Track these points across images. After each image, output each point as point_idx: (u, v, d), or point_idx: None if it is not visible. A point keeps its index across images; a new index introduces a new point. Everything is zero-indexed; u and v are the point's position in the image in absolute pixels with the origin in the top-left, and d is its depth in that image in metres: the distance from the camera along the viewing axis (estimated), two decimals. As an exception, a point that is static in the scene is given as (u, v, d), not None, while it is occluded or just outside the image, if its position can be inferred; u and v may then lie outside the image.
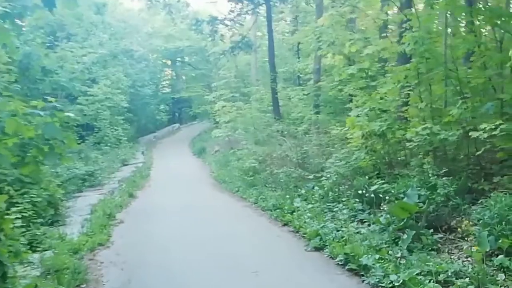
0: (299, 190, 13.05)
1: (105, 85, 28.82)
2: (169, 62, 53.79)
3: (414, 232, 7.15)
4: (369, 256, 6.78)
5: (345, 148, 12.66)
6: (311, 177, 13.17)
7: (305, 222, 9.88)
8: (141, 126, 44.51)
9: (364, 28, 18.25)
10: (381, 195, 8.82)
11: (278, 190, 14.50)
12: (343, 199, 10.42)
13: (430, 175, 8.03)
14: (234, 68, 37.30)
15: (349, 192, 10.25)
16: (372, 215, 8.86)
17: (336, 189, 11.07)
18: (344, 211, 9.77)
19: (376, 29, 19.30)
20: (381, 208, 8.88)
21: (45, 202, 11.58)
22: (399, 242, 7.20)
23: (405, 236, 7.12)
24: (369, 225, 8.69)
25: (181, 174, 23.48)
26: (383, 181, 9.10)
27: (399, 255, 6.80)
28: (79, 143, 24.85)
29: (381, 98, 10.56)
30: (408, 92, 10.57)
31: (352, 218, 9.27)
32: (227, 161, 23.85)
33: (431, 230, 7.35)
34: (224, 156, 25.57)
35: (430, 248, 7.01)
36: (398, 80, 9.68)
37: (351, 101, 16.78)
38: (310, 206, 11.15)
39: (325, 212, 10.42)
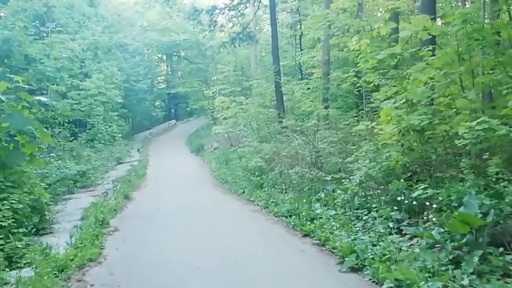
0: (316, 193, 11.60)
1: (98, 79, 27.39)
2: (164, 57, 52.36)
3: (482, 251, 5.74)
4: (429, 283, 5.37)
5: (367, 145, 11.25)
6: (328, 178, 11.70)
7: (331, 233, 8.44)
8: (136, 123, 43.34)
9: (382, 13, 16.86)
10: (427, 203, 7.34)
11: (290, 192, 13.10)
12: (374, 206, 8.93)
13: (494, 179, 6.61)
14: (233, 62, 35.95)
15: (382, 197, 8.77)
16: (415, 227, 7.34)
17: (363, 193, 9.62)
18: (378, 221, 8.30)
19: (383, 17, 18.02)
20: (425, 218, 7.46)
21: (28, 208, 10.09)
22: (462, 264, 5.77)
23: (474, 258, 5.65)
24: (411, 238, 7.28)
25: (179, 173, 22.23)
26: (425, 185, 7.63)
27: (466, 282, 5.39)
28: (70, 141, 23.54)
29: (405, 89, 9.09)
30: (434, 83, 9.18)
31: (389, 230, 7.80)
32: (227, 159, 22.60)
33: (501, 249, 5.92)
34: (224, 153, 24.32)
35: (502, 272, 5.60)
36: (440, 65, 8.19)
37: (365, 93, 15.50)
38: (333, 212, 9.66)
39: (353, 221, 8.95)
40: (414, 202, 7.60)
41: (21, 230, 9.34)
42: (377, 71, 11.75)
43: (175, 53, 49.78)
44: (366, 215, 8.90)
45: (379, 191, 8.99)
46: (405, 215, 7.89)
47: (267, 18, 40.89)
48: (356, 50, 9.77)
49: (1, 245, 8.33)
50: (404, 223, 7.77)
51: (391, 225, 7.88)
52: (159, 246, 9.32)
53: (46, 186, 13.18)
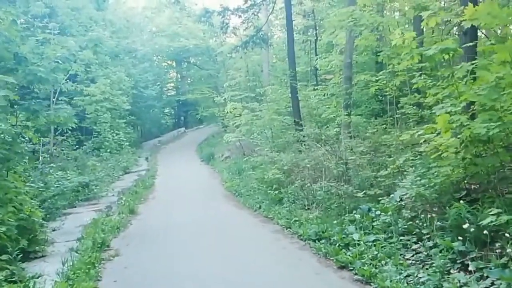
0: (346, 212, 10.02)
1: (103, 84, 26.13)
2: (174, 64, 51.35)
3: None
4: None
5: (404, 157, 9.79)
6: (360, 195, 10.18)
7: (375, 266, 6.93)
8: (145, 130, 42.36)
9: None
10: (508, 234, 5.76)
11: (314, 209, 11.60)
12: (424, 231, 7.41)
13: None
14: (245, 67, 34.69)
15: (436, 222, 7.22)
16: (499, 268, 5.57)
17: (408, 215, 8.08)
18: (433, 251, 6.74)
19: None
20: (497, 252, 5.93)
21: (14, 230, 8.64)
22: None
23: None
24: (481, 277, 5.75)
25: (189, 183, 20.98)
26: (498, 210, 6.09)
27: None
28: (74, 149, 22.31)
29: (458, 90, 7.59)
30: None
31: (450, 264, 6.26)
32: (240, 169, 21.27)
33: None
34: (236, 163, 22.99)
35: None
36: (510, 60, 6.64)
37: (395, 98, 14.03)
38: (372, 238, 8.11)
39: (399, 249, 7.44)
40: (485, 231, 6.03)
41: (4, 257, 7.92)
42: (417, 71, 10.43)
43: (184, 59, 48.68)
44: (415, 243, 7.36)
45: (433, 214, 7.43)
46: (471, 247, 6.32)
47: (278, 24, 39.82)
48: (399, 45, 8.28)
49: (-24, 277, 6.91)
50: (470, 257, 6.21)
51: (451, 257, 6.33)
52: (165, 278, 7.89)
53: (39, 203, 11.76)
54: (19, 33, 9.61)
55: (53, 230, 11.66)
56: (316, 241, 9.00)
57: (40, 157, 18.41)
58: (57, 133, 21.00)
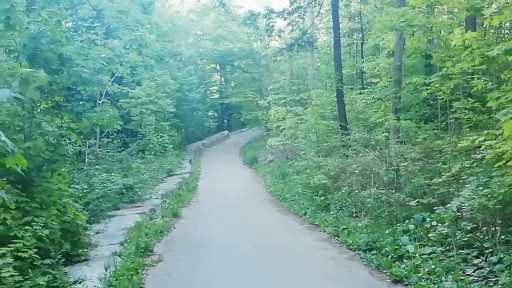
0: (398, 221, 9.53)
1: (149, 87, 26.28)
2: (218, 67, 51.53)
3: None
4: None
5: (459, 164, 9.25)
6: (413, 203, 9.64)
7: (433, 282, 6.40)
8: (188, 133, 42.46)
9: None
10: None
11: (363, 217, 11.14)
12: (486, 245, 6.86)
13: None
14: (289, 70, 34.35)
15: (502, 236, 6.66)
16: None
17: (467, 227, 7.53)
18: (498, 267, 6.21)
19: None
20: None
21: (57, 233, 8.51)
22: None
23: None
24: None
25: (232, 187, 20.85)
26: None
27: None
28: (120, 151, 22.40)
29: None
30: None
31: (518, 283, 5.76)
32: (283, 173, 20.99)
33: None
34: (280, 167, 22.73)
35: None
36: None
37: (448, 102, 13.41)
38: (428, 250, 7.61)
39: (458, 263, 6.89)
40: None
41: (47, 261, 7.75)
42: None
43: (228, 63, 48.70)
44: (476, 257, 6.83)
45: (496, 226, 6.89)
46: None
47: (322, 27, 39.30)
48: (458, 46, 7.77)
49: (19, 282, 6.72)
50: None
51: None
52: (209, 285, 7.63)
53: (84, 205, 11.69)
54: (65, 34, 9.47)
55: (97, 233, 11.57)
56: (367, 251, 8.57)
57: (86, 159, 18.54)
58: (103, 135, 21.12)
